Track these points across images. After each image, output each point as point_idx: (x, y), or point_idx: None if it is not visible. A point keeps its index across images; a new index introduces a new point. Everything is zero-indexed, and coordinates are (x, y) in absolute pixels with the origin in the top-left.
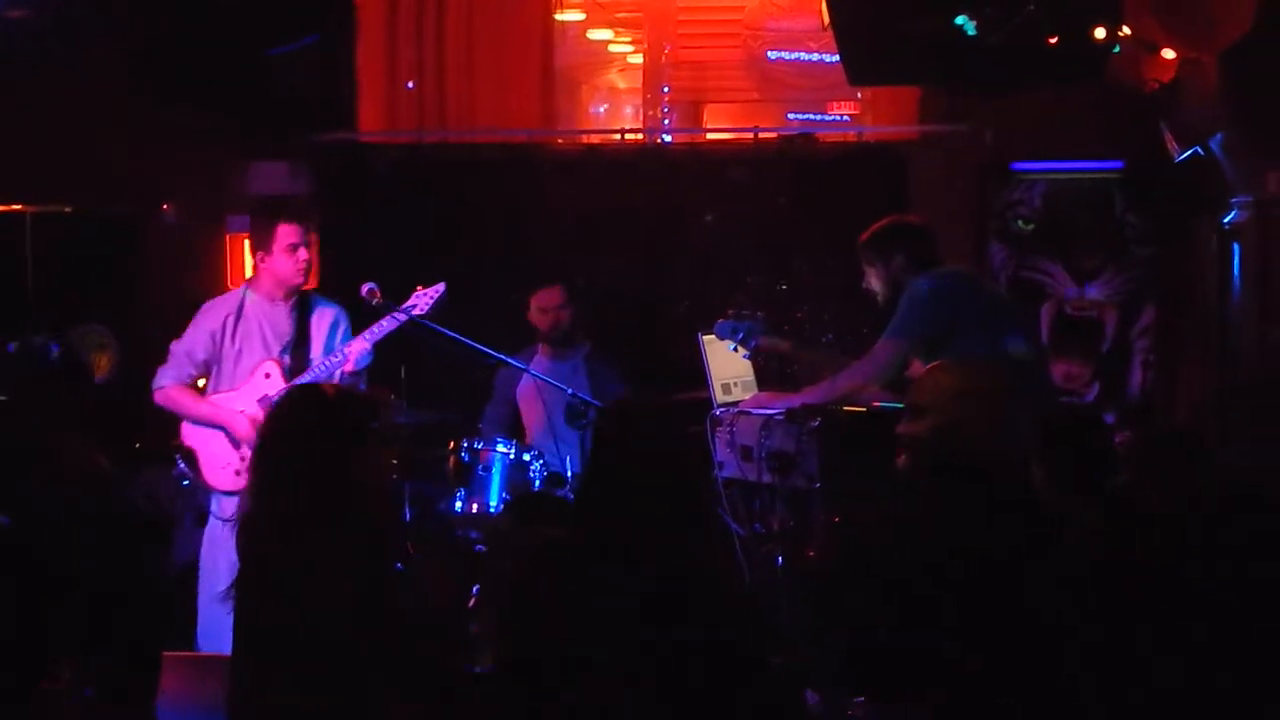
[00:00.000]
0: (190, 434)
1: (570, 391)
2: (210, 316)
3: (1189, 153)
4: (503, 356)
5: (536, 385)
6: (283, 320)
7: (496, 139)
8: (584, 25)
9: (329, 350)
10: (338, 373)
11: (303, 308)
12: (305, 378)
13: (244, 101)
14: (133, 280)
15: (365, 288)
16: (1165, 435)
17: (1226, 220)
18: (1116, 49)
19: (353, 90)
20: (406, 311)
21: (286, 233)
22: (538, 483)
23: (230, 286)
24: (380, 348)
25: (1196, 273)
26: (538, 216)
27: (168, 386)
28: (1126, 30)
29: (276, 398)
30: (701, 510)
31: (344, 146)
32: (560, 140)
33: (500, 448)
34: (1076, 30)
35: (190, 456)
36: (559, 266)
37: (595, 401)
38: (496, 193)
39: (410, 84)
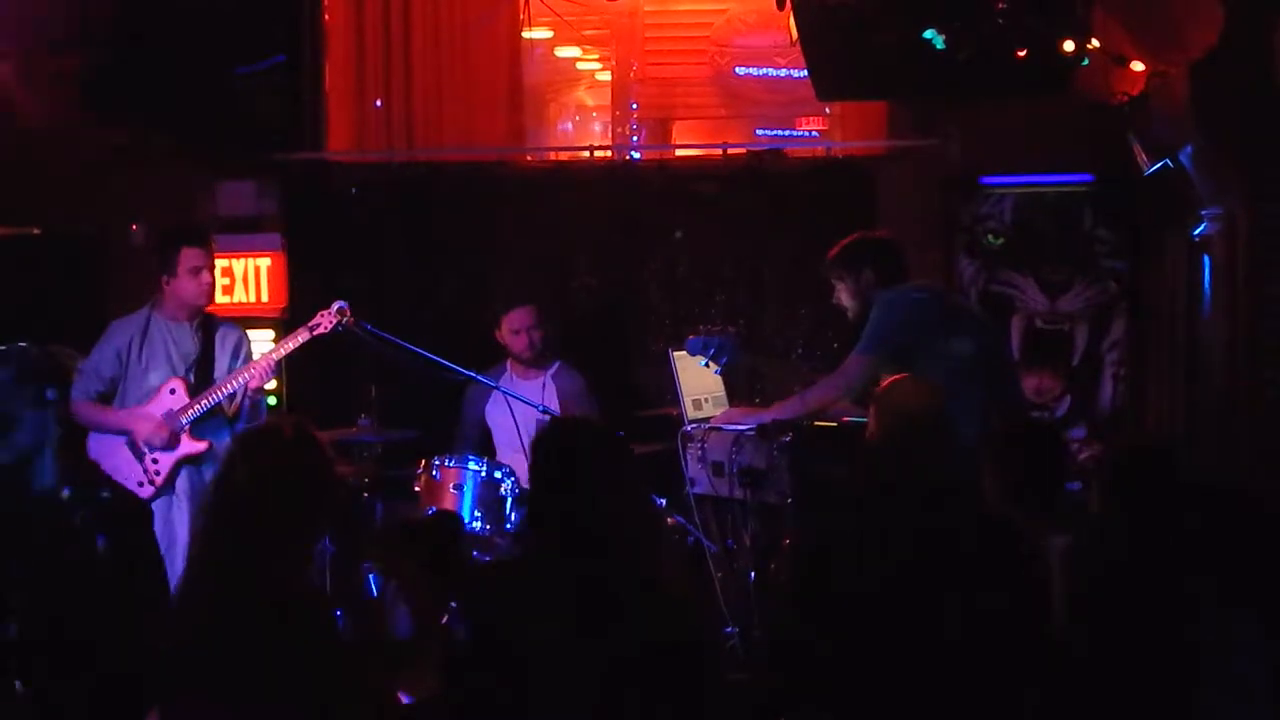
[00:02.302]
0: (94, 448)
1: (541, 408)
2: (117, 336)
3: (1158, 165)
4: (473, 374)
5: (507, 403)
6: (187, 340)
7: (465, 157)
8: (551, 43)
9: (231, 370)
10: (241, 390)
11: (206, 328)
12: (211, 395)
13: (212, 121)
14: (101, 301)
15: (335, 306)
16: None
17: (1196, 233)
18: (1085, 62)
19: (321, 109)
20: (308, 331)
21: (190, 256)
22: (509, 500)
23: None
24: (350, 366)
25: (1166, 285)
26: (507, 234)
27: (76, 401)
28: (1095, 43)
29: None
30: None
31: (312, 165)
32: (529, 158)
33: (471, 465)
34: (1045, 43)
35: (94, 471)
36: (528, 284)
37: None
38: (465, 211)
39: (378, 103)
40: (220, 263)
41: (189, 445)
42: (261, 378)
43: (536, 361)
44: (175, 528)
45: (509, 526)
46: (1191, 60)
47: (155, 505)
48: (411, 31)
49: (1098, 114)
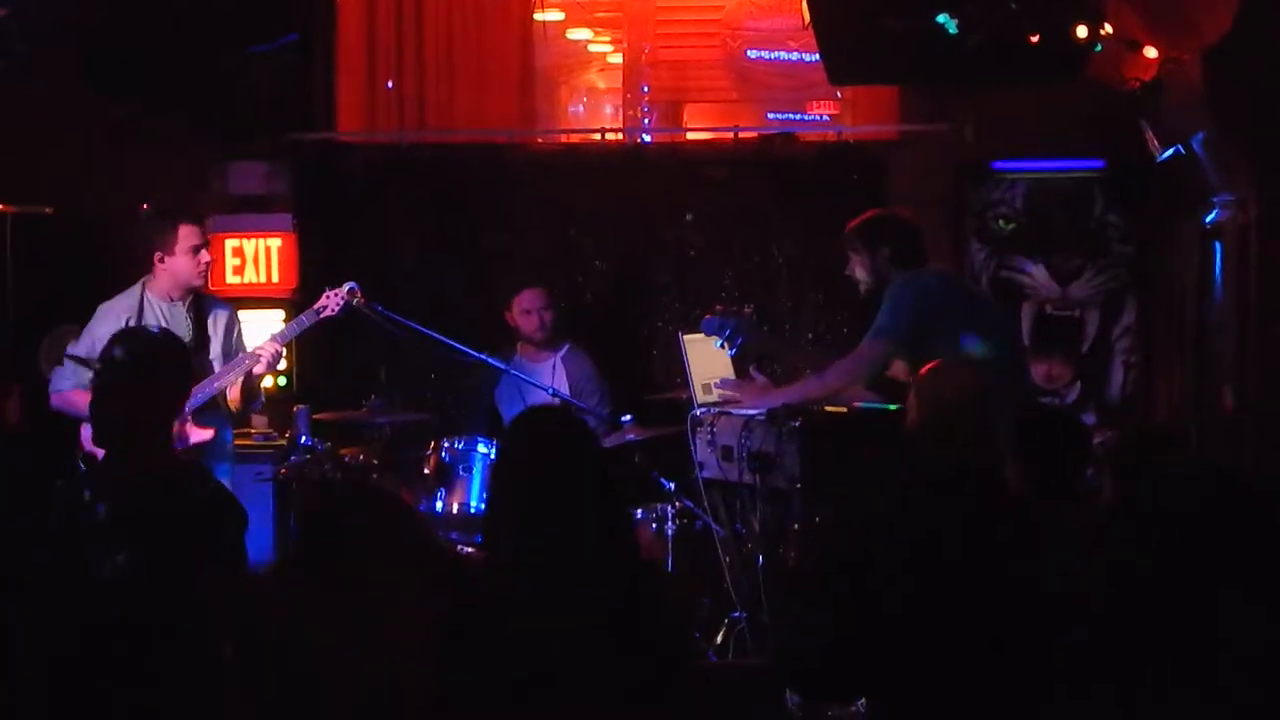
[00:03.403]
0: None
1: (551, 391)
2: (110, 318)
3: (1170, 152)
4: (483, 356)
5: (516, 385)
6: (181, 322)
7: (476, 139)
8: (563, 25)
9: (228, 351)
10: (243, 373)
11: (198, 309)
12: (216, 380)
13: (223, 101)
14: (112, 281)
15: (345, 287)
16: (1146, 433)
17: (1208, 219)
18: (1098, 48)
19: (332, 90)
20: (315, 314)
21: (188, 234)
22: None
23: (210, 287)
24: (360, 348)
25: (1178, 272)
26: (517, 216)
27: (66, 390)
28: (1108, 29)
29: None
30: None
31: (323, 146)
32: (540, 140)
33: (480, 448)
34: (1058, 29)
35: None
36: (538, 266)
37: (576, 401)
38: (476, 192)
39: (389, 84)
40: (231, 243)
41: (196, 434)
42: (269, 364)
43: (546, 343)
44: None
45: None
46: (1205, 47)
47: None
48: (423, 12)
49: (1110, 100)
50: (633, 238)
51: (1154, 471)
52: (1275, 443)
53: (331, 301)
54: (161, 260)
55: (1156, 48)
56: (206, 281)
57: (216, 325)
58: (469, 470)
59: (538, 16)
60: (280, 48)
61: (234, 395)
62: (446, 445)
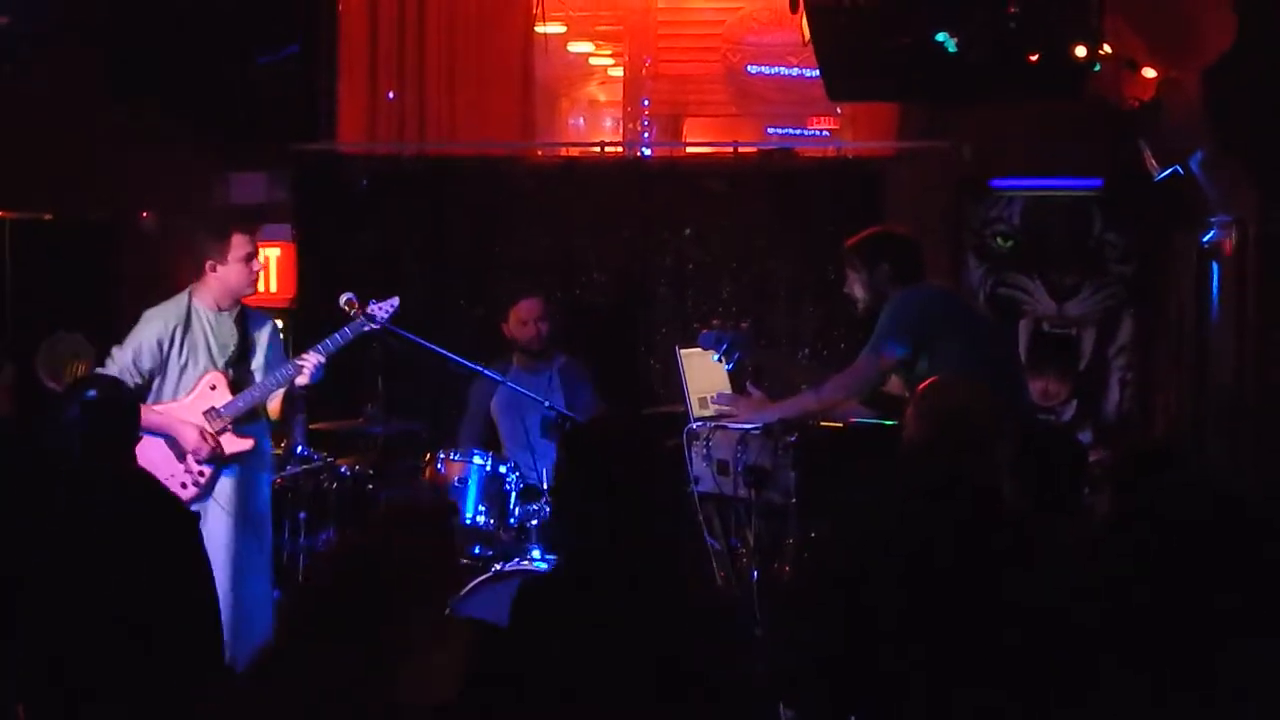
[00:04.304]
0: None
1: (547, 404)
2: (157, 324)
3: (1168, 171)
4: (479, 368)
5: (512, 397)
6: (226, 331)
7: (476, 151)
8: (564, 38)
9: (270, 364)
10: (285, 384)
11: (242, 319)
12: (257, 390)
13: (224, 110)
14: (111, 288)
15: (343, 298)
16: (1143, 451)
17: (1205, 239)
18: (1097, 67)
19: (333, 101)
20: (359, 326)
21: (241, 242)
22: (513, 495)
23: None
24: (357, 359)
25: (1175, 291)
26: (516, 228)
27: None
28: (1107, 48)
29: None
30: (680, 528)
31: (323, 156)
32: (540, 152)
33: (476, 459)
34: (1057, 47)
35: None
36: (537, 279)
37: (571, 414)
38: (475, 204)
39: (390, 95)
40: None
41: (235, 444)
42: (311, 375)
43: (542, 355)
44: (217, 537)
45: (512, 521)
46: (1203, 67)
47: (197, 510)
48: (425, 24)
49: (1109, 118)
50: (631, 251)
51: (1152, 486)
52: (1272, 459)
53: (377, 314)
54: (214, 269)
55: (1155, 67)
56: (255, 291)
57: (260, 336)
58: (464, 482)
59: (539, 29)
60: (282, 58)
61: (274, 406)
62: (442, 456)
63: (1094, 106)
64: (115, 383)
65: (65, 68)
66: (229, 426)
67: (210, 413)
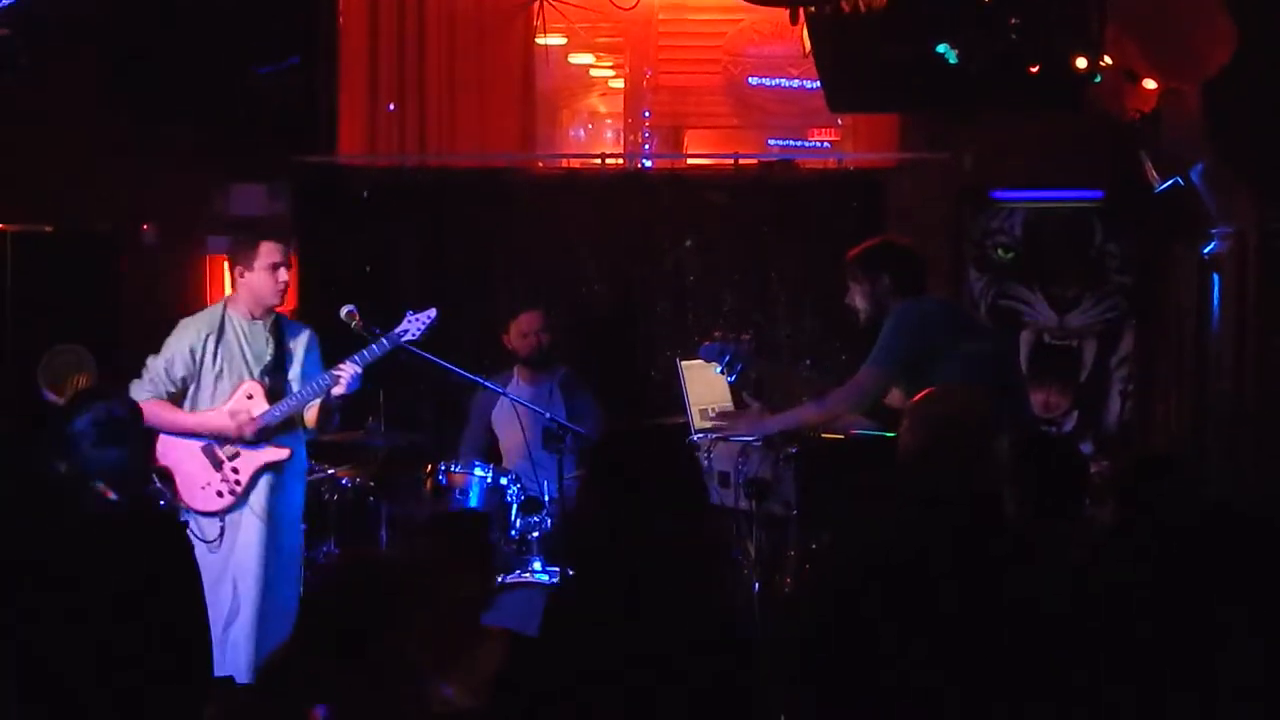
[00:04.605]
0: (166, 453)
1: (548, 415)
2: (190, 332)
3: (1169, 182)
4: (480, 380)
5: (513, 409)
6: (260, 340)
7: (477, 163)
8: (565, 50)
9: (307, 374)
10: (321, 394)
11: (277, 328)
12: (293, 400)
13: (224, 122)
14: (112, 300)
15: (344, 310)
16: (1144, 461)
17: (1206, 250)
18: (1097, 78)
19: (333, 112)
20: (397, 337)
21: (269, 251)
22: (514, 507)
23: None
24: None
25: (1176, 303)
26: (517, 240)
27: (144, 400)
28: (1108, 60)
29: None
30: (706, 537)
31: (324, 168)
32: (540, 164)
33: (477, 471)
34: (1058, 59)
35: (166, 477)
36: (537, 290)
37: (572, 425)
38: (476, 216)
39: (391, 106)
40: None
41: (272, 452)
42: (348, 386)
43: (543, 367)
44: (251, 546)
45: (514, 533)
46: (1204, 78)
47: (231, 518)
48: (425, 36)
49: (1109, 130)
50: (632, 263)
51: (1153, 495)
52: (1273, 468)
53: (413, 326)
54: (241, 275)
55: (1156, 79)
56: (283, 300)
57: (297, 345)
58: (465, 494)
59: (539, 41)
60: (283, 70)
61: (311, 416)
62: (443, 468)
63: (1094, 118)
64: (120, 398)
65: (65, 79)
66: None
67: (243, 416)
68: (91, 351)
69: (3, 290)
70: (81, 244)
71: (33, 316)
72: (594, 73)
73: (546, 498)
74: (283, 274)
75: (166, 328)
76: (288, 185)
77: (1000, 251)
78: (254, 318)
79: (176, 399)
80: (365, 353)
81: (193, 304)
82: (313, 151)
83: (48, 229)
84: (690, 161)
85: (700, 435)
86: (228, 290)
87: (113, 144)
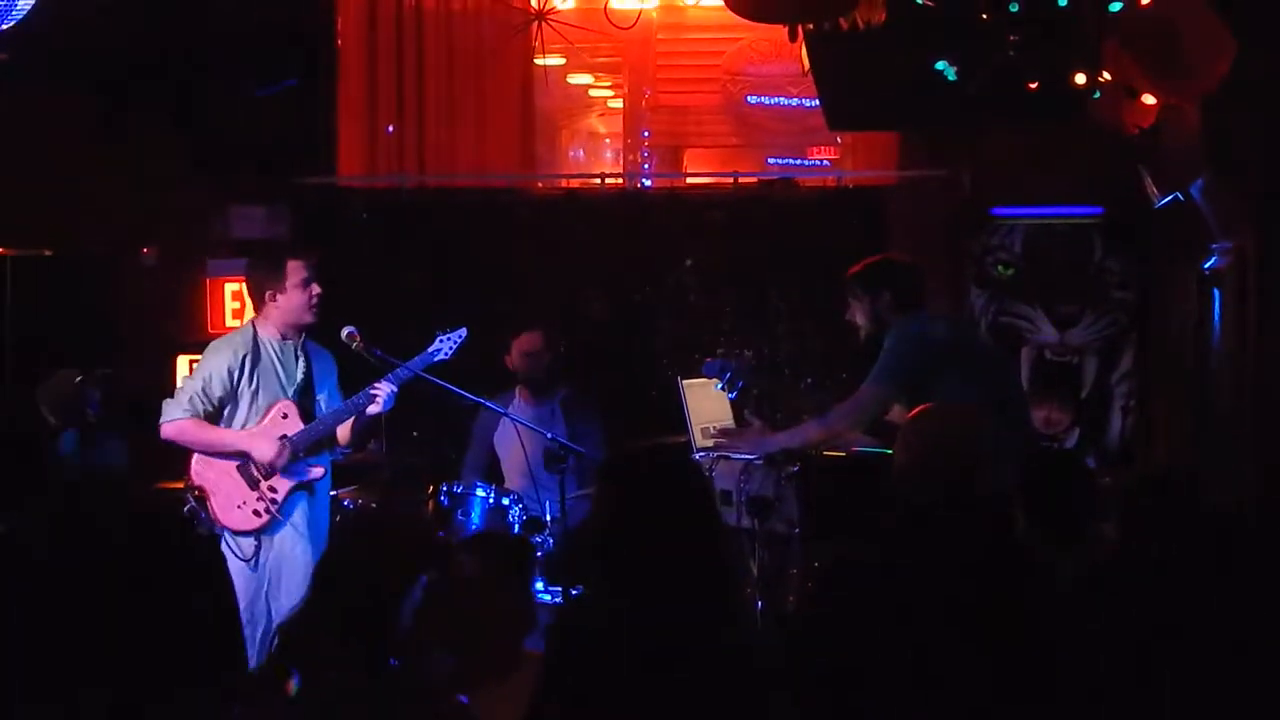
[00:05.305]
0: (201, 473)
1: (549, 436)
2: (226, 353)
3: (1169, 198)
4: (481, 400)
5: (515, 429)
6: (291, 360)
7: (476, 183)
8: (564, 70)
9: (331, 394)
10: (354, 413)
11: (305, 350)
12: (328, 419)
13: (224, 145)
14: (112, 323)
15: (345, 331)
16: (1145, 477)
17: (1206, 266)
18: (1097, 94)
19: (332, 134)
20: (430, 357)
21: (296, 268)
22: (516, 527)
23: (211, 330)
24: (360, 391)
25: (1177, 318)
26: (517, 261)
27: (180, 419)
28: (1107, 76)
29: None
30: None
31: (324, 190)
32: (540, 184)
33: (479, 492)
34: (1056, 75)
35: (202, 497)
36: (538, 311)
37: (573, 446)
38: (476, 237)
39: (390, 128)
40: (231, 286)
41: (307, 471)
42: (384, 405)
43: (544, 387)
44: (293, 561)
45: None
46: (1203, 93)
47: (267, 537)
48: (424, 57)
49: (1109, 146)
50: (632, 282)
51: (1155, 512)
52: (1274, 483)
53: (445, 345)
54: (274, 298)
55: (1155, 95)
56: (316, 316)
57: (321, 366)
58: (467, 514)
59: (538, 62)
60: (282, 92)
61: (343, 435)
62: (445, 489)
63: (1094, 134)
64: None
65: (64, 104)
66: (302, 454)
67: (283, 440)
68: (89, 376)
69: (2, 314)
70: (81, 267)
71: (33, 340)
72: (593, 93)
73: (548, 518)
74: (315, 289)
75: (167, 350)
76: (287, 207)
77: (1000, 268)
78: (285, 338)
79: (213, 419)
80: (401, 371)
81: (192, 327)
82: (312, 173)
83: (47, 253)
84: (690, 181)
85: (702, 454)
86: (233, 313)
87: (112, 168)
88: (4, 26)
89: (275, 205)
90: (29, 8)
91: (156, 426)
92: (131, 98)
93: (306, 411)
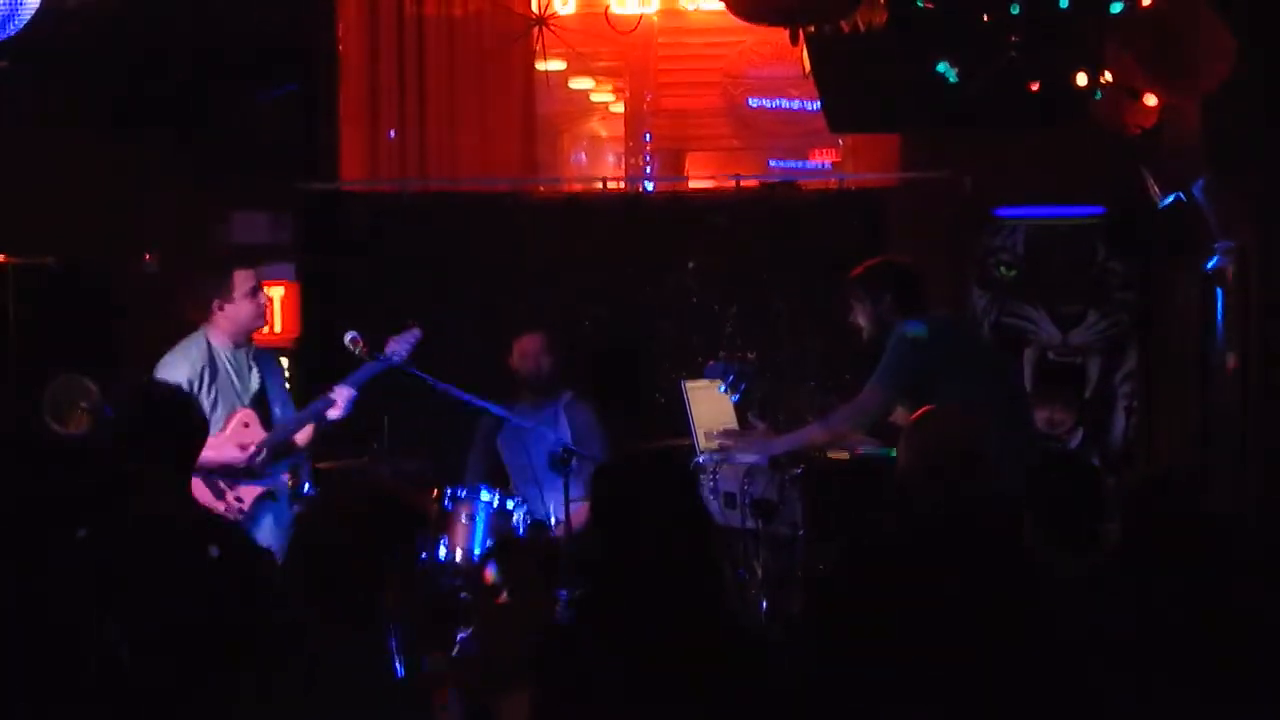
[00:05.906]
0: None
1: (554, 438)
2: (184, 366)
3: (1171, 198)
4: (485, 404)
5: (518, 432)
6: (244, 368)
7: (478, 188)
8: (565, 74)
9: (282, 400)
10: (314, 419)
11: (257, 357)
12: (289, 425)
13: (226, 151)
14: (114, 330)
15: (348, 336)
16: (1155, 479)
17: (1209, 265)
18: (1098, 95)
19: (335, 139)
20: (386, 360)
21: (244, 278)
22: (521, 530)
23: None
24: (363, 396)
25: (1179, 318)
26: (519, 265)
27: None
28: (1108, 76)
29: None
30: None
31: (326, 195)
32: (542, 189)
33: (483, 495)
34: (1057, 76)
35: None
36: (540, 315)
37: (577, 449)
38: (478, 241)
39: (392, 133)
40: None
41: (273, 479)
42: (341, 409)
43: (547, 390)
44: None
45: None
46: (1204, 93)
47: None
48: (426, 62)
49: (1110, 146)
50: (634, 285)
51: (1158, 512)
52: (1277, 483)
53: (399, 347)
54: (222, 308)
55: (1156, 95)
56: (265, 323)
57: (272, 373)
58: (471, 519)
59: (539, 66)
60: (283, 97)
61: (303, 440)
62: (449, 493)
63: (1095, 134)
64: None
65: (65, 110)
66: (267, 460)
67: (245, 448)
68: (93, 381)
69: (5, 321)
70: (83, 275)
71: (35, 347)
72: (594, 97)
73: (553, 520)
74: (261, 297)
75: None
76: (289, 213)
77: (1003, 269)
78: (236, 346)
79: None
80: (356, 375)
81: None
82: (314, 178)
83: (49, 260)
84: (691, 184)
85: (706, 457)
86: None
87: (114, 174)
88: (4, 36)
89: (278, 211)
90: (32, 16)
91: None
92: (134, 104)
93: (264, 418)
